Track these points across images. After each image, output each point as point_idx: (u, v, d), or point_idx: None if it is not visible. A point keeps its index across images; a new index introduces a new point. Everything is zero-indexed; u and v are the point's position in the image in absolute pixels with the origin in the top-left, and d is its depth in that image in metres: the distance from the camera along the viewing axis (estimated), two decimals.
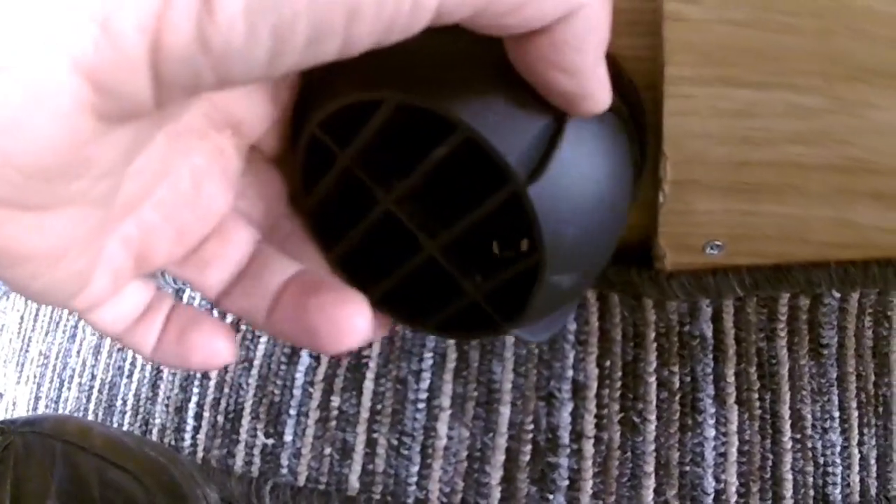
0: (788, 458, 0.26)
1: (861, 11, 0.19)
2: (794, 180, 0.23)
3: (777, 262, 0.26)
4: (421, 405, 0.27)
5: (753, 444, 0.26)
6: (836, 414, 0.26)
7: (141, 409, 0.33)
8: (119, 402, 0.34)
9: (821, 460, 0.26)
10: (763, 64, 0.21)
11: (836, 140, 0.22)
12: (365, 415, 0.27)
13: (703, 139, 0.22)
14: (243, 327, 0.31)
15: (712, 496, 0.25)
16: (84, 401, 0.36)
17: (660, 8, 0.20)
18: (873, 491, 0.26)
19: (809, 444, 0.26)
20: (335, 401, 0.28)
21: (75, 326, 0.38)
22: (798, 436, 0.26)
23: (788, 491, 0.25)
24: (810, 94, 0.21)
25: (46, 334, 0.40)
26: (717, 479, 0.25)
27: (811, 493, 0.25)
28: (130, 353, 0.34)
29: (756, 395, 0.26)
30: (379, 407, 0.27)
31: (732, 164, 0.23)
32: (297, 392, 0.29)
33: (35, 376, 0.39)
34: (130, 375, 0.34)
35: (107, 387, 0.35)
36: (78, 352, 0.37)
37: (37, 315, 0.41)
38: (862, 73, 0.21)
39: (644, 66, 0.21)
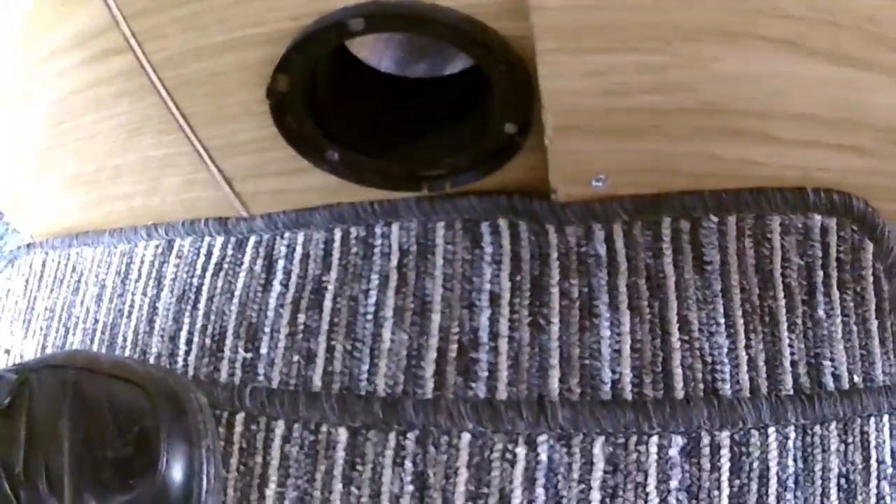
0: (677, 355, 0.37)
1: None
2: (655, 122, 0.35)
3: (656, 192, 0.38)
4: (369, 317, 0.40)
5: (644, 343, 0.37)
6: (722, 321, 0.37)
7: (139, 342, 0.46)
8: (120, 339, 0.47)
9: (708, 359, 0.37)
10: (613, 35, 0.32)
11: (684, 89, 0.34)
12: (325, 327, 0.40)
13: (573, 95, 0.34)
14: (226, 264, 0.45)
15: (609, 384, 0.37)
16: (88, 342, 0.49)
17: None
18: (764, 390, 0.37)
19: (697, 345, 0.37)
20: (301, 318, 0.41)
21: (78, 281, 0.52)
22: (686, 337, 0.37)
23: (679, 383, 0.37)
24: (654, 54, 0.33)
25: (51, 291, 0.54)
26: (613, 371, 0.37)
27: (700, 386, 0.36)
28: (129, 296, 0.48)
29: (646, 304, 0.38)
30: (336, 320, 0.40)
31: (601, 111, 0.35)
32: (270, 313, 0.42)
33: (42, 329, 0.53)
34: (129, 315, 0.48)
35: (108, 328, 0.48)
36: (81, 302, 0.51)
37: (41, 276, 0.55)
38: (699, 34, 0.32)
39: (525, 42, 0.34)
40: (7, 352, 0.55)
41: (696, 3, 0.31)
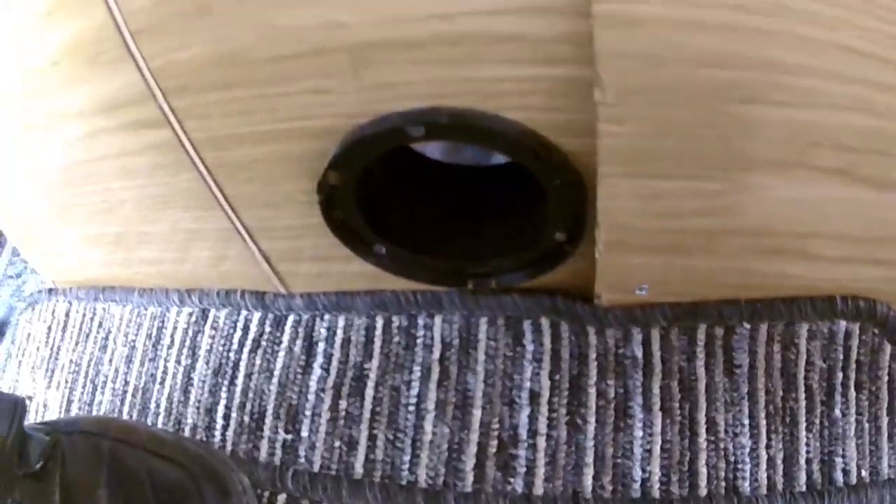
0: (703, 455, 0.39)
1: (752, 120, 0.30)
2: (703, 243, 0.36)
3: (694, 300, 0.39)
4: (411, 408, 0.41)
5: (674, 444, 0.39)
6: (747, 422, 0.39)
7: (174, 412, 0.46)
8: (153, 406, 0.47)
9: (732, 459, 0.39)
10: (674, 162, 0.32)
11: (735, 213, 0.35)
12: (367, 415, 0.41)
13: (628, 215, 0.35)
14: (264, 342, 0.45)
15: (639, 483, 0.38)
16: (118, 404, 0.49)
17: (597, 124, 0.32)
18: (780, 487, 0.39)
19: (722, 446, 0.39)
20: (342, 404, 0.42)
21: (105, 338, 0.52)
22: (712, 438, 0.39)
23: (703, 481, 0.39)
24: (711, 182, 0.33)
25: (77, 344, 0.53)
26: (643, 470, 0.38)
27: (723, 484, 0.38)
28: (162, 362, 0.48)
29: (677, 405, 0.39)
30: (378, 409, 0.41)
31: (652, 231, 0.35)
32: (311, 397, 0.42)
33: (67, 381, 0.53)
34: (163, 382, 0.48)
35: (140, 392, 0.48)
36: (110, 360, 0.51)
37: (65, 326, 0.55)
38: (755, 164, 0.32)
39: (590, 160, 0.33)
40: (29, 398, 0.54)
41: (757, 135, 0.31)
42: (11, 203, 0.50)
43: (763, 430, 0.39)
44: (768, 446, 0.38)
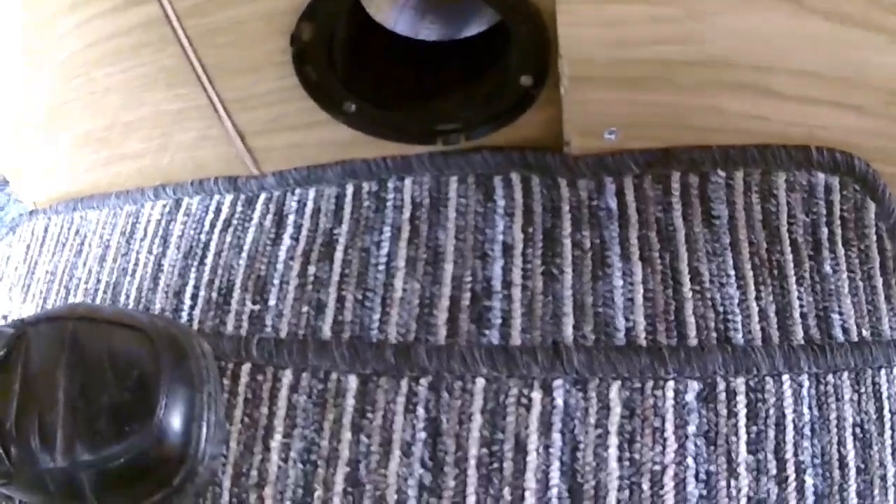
0: (690, 304, 0.35)
1: None
2: (665, 74, 0.35)
3: (665, 146, 0.37)
4: (381, 267, 0.38)
5: (657, 293, 0.36)
6: (732, 273, 0.36)
7: (143, 299, 0.43)
8: (122, 298, 0.45)
9: (720, 309, 0.35)
10: None
11: (693, 41, 0.34)
12: (335, 278, 0.38)
13: (589, 44, 0.34)
14: (235, 221, 0.43)
15: (623, 331, 0.35)
16: (90, 301, 0.46)
17: None
18: (776, 339, 0.35)
19: (709, 295, 0.36)
20: (311, 269, 0.39)
21: (81, 244, 0.50)
22: (697, 287, 0.36)
23: (692, 331, 0.35)
24: (666, 7, 0.33)
25: (53, 255, 0.51)
26: (627, 319, 0.35)
27: (713, 334, 0.35)
28: (134, 255, 0.45)
29: (657, 255, 0.36)
30: (347, 271, 0.38)
31: (614, 61, 0.34)
32: (279, 266, 0.40)
33: (41, 292, 0.50)
34: (133, 273, 0.45)
35: (111, 287, 0.46)
36: (84, 263, 0.48)
37: (43, 241, 0.53)
38: None
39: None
40: (4, 318, 0.52)
41: None
42: (4, 121, 0.49)
43: (750, 282, 0.36)
44: (758, 297, 0.35)
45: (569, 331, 0.35)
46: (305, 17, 0.34)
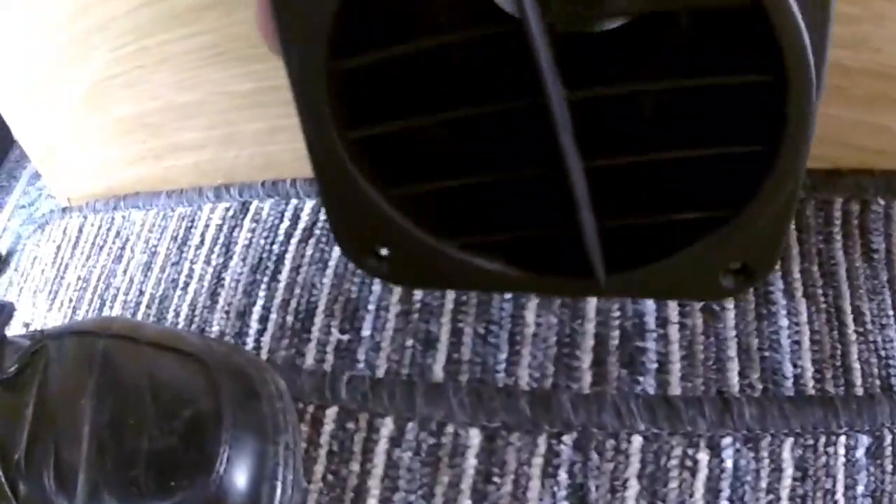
0: (854, 349, 0.25)
1: None
2: (838, 81, 0.24)
3: (830, 167, 0.26)
4: (507, 295, 0.25)
5: (823, 335, 0.24)
6: (891, 312, 0.25)
7: (196, 318, 0.29)
8: (171, 314, 0.30)
9: (882, 353, 0.25)
10: None
11: (871, 48, 0.23)
12: (449, 306, 0.25)
13: None
14: (317, 231, 0.28)
15: (792, 380, 0.23)
16: (129, 315, 0.31)
17: None
18: None
19: (871, 338, 0.25)
20: (417, 294, 0.25)
21: (122, 248, 0.34)
22: (861, 329, 0.25)
23: (858, 379, 0.24)
24: (850, 3, 0.22)
25: (87, 259, 0.35)
26: (795, 365, 0.24)
27: (877, 382, 0.24)
28: (188, 265, 0.30)
29: (820, 291, 0.25)
30: (464, 298, 0.25)
31: None
32: (375, 288, 0.26)
33: (71, 300, 0.34)
34: (186, 287, 0.30)
35: (157, 300, 0.30)
36: (124, 271, 0.33)
37: (76, 243, 0.37)
38: None
39: None
40: (26, 326, 0.35)
41: None
42: (37, 108, 0.33)
43: None
44: None
45: (734, 379, 0.23)
46: None
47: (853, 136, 0.25)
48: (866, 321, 0.25)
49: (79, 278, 0.34)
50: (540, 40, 0.09)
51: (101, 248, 0.35)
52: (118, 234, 0.34)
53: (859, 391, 0.24)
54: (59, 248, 0.37)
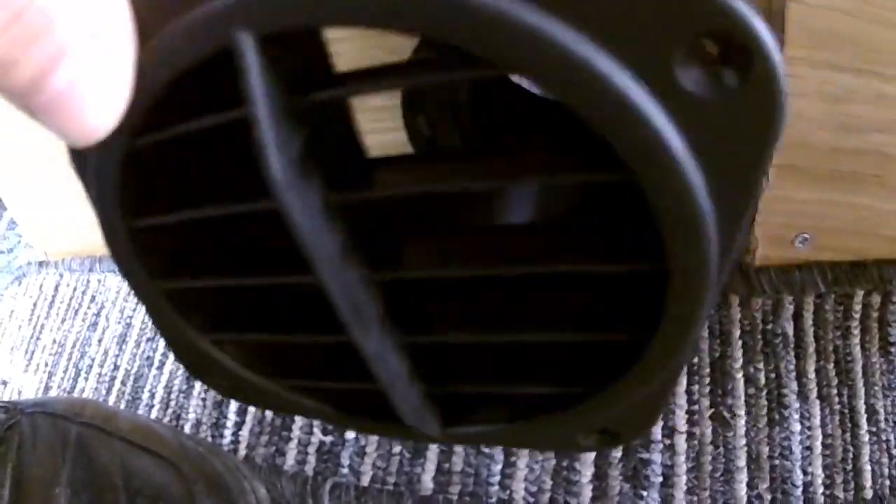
0: (867, 450, 0.23)
1: None
2: (876, 170, 0.21)
3: (854, 259, 0.23)
4: None
5: (835, 438, 0.22)
6: None
7: (172, 403, 0.26)
8: (146, 395, 0.27)
9: (894, 451, 0.23)
10: (862, 52, 0.18)
11: None
12: None
13: (807, 122, 0.20)
14: None
15: (801, 488, 0.21)
16: (104, 392, 0.29)
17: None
18: None
19: (884, 437, 0.23)
20: None
21: (97, 314, 0.31)
22: (874, 429, 0.23)
23: (868, 481, 0.22)
24: (893, 83, 0.19)
25: (63, 321, 0.33)
26: (805, 472, 0.22)
27: (887, 482, 0.22)
28: (162, 343, 0.28)
29: (835, 391, 0.23)
30: None
31: (828, 149, 0.20)
32: None
33: (46, 364, 0.32)
34: (161, 367, 0.27)
35: (131, 378, 0.28)
36: (99, 341, 0.30)
37: (52, 302, 0.34)
38: None
39: None
40: (4, 383, 0.33)
41: None
42: (12, 157, 0.30)
43: None
44: None
45: (742, 490, 0.21)
46: None
47: (885, 226, 0.23)
48: (880, 420, 0.23)
49: (54, 341, 0.32)
50: (307, 232, 0.08)
51: (77, 311, 0.32)
52: (93, 298, 0.32)
53: (868, 493, 0.22)
54: (35, 304, 0.34)
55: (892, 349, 0.24)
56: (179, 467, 0.20)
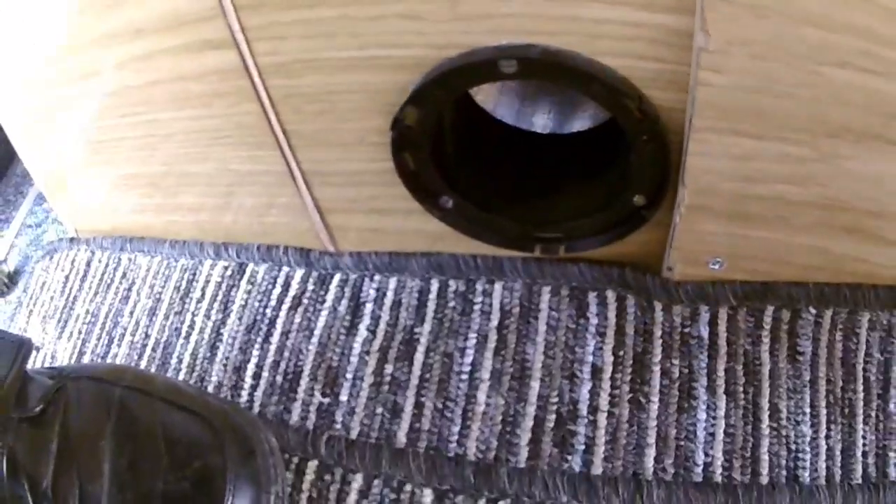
0: (766, 442, 0.33)
1: (843, 85, 0.26)
2: (782, 212, 0.31)
3: (765, 280, 0.33)
4: (464, 376, 0.33)
5: (737, 429, 0.32)
6: (808, 410, 0.33)
7: (197, 367, 0.38)
8: (174, 361, 0.39)
9: (793, 447, 0.33)
10: (765, 121, 0.28)
11: (817, 183, 0.30)
12: (414, 381, 0.33)
13: (714, 175, 0.29)
14: (305, 300, 0.37)
15: (701, 467, 0.32)
16: (136, 357, 0.40)
17: (695, 74, 0.27)
18: (837, 478, 0.33)
19: (784, 433, 0.33)
20: (388, 368, 0.34)
21: (128, 289, 0.43)
22: (775, 425, 0.33)
23: (765, 469, 0.32)
24: (797, 146, 0.28)
25: (95, 294, 0.44)
26: (706, 454, 0.32)
27: (783, 473, 0.32)
28: (189, 316, 0.39)
29: (741, 389, 0.33)
30: (427, 376, 0.33)
31: (735, 196, 0.30)
32: (353, 359, 0.35)
33: (80, 332, 0.44)
34: (188, 336, 0.39)
35: (161, 346, 0.40)
36: (131, 312, 0.42)
37: (84, 276, 0.46)
38: (840, 131, 0.28)
39: (677, 115, 0.28)
40: (37, 349, 0.45)
41: (844, 101, 0.27)
42: (44, 140, 0.41)
43: (823, 420, 0.33)
44: (827, 436, 0.32)
45: (650, 463, 0.31)
46: (412, 101, 0.28)
47: (792, 255, 0.32)
48: (781, 417, 0.33)
49: (87, 312, 0.44)
50: None
51: (109, 286, 0.44)
52: (125, 275, 0.43)
53: (764, 480, 0.32)
54: (67, 277, 0.46)
55: (800, 357, 0.34)
56: (211, 421, 0.30)
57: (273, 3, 0.27)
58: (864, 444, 0.33)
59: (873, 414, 0.33)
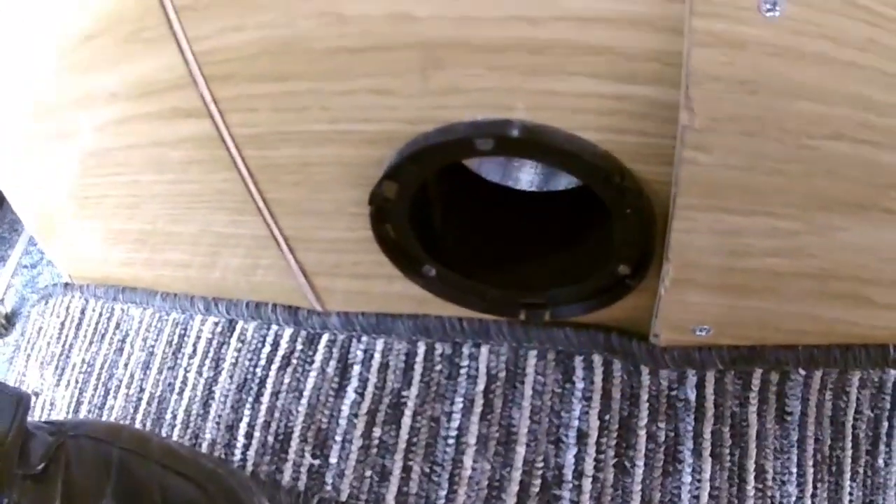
0: (751, 503, 0.35)
1: (838, 157, 0.26)
2: (771, 284, 0.32)
3: (753, 344, 0.35)
4: (451, 441, 0.35)
5: (722, 491, 0.34)
6: (794, 470, 0.35)
7: (191, 425, 0.40)
8: (169, 416, 0.41)
9: None
10: (754, 197, 0.28)
11: (808, 255, 0.30)
12: (402, 445, 0.36)
13: (699, 251, 0.30)
14: (294, 360, 0.39)
15: None
16: (132, 411, 0.43)
17: (679, 152, 0.27)
18: None
19: (769, 494, 0.35)
20: (377, 431, 0.36)
21: (122, 341, 0.46)
22: (760, 486, 0.35)
23: None
24: (788, 220, 0.29)
25: (90, 344, 0.47)
26: None
27: None
28: (182, 371, 0.42)
29: (727, 451, 0.35)
30: (415, 440, 0.36)
31: (721, 269, 0.31)
32: (342, 422, 0.37)
33: (77, 381, 0.46)
34: (181, 392, 0.41)
35: (156, 400, 0.42)
36: (125, 364, 0.44)
37: (79, 324, 0.48)
38: (834, 203, 0.28)
39: (663, 189, 0.29)
40: (36, 394, 0.48)
41: (840, 174, 0.27)
42: (32, 191, 0.43)
43: (809, 479, 0.34)
44: (813, 495, 0.34)
45: None
46: (388, 176, 0.30)
47: (781, 322, 0.33)
48: (767, 478, 0.35)
49: (83, 361, 0.46)
50: None
51: (103, 336, 0.46)
52: (118, 325, 0.46)
53: None
54: (63, 324, 0.49)
55: (789, 418, 0.35)
56: (206, 487, 0.32)
57: (242, 75, 0.28)
58: (850, 500, 0.34)
59: (861, 470, 0.35)
